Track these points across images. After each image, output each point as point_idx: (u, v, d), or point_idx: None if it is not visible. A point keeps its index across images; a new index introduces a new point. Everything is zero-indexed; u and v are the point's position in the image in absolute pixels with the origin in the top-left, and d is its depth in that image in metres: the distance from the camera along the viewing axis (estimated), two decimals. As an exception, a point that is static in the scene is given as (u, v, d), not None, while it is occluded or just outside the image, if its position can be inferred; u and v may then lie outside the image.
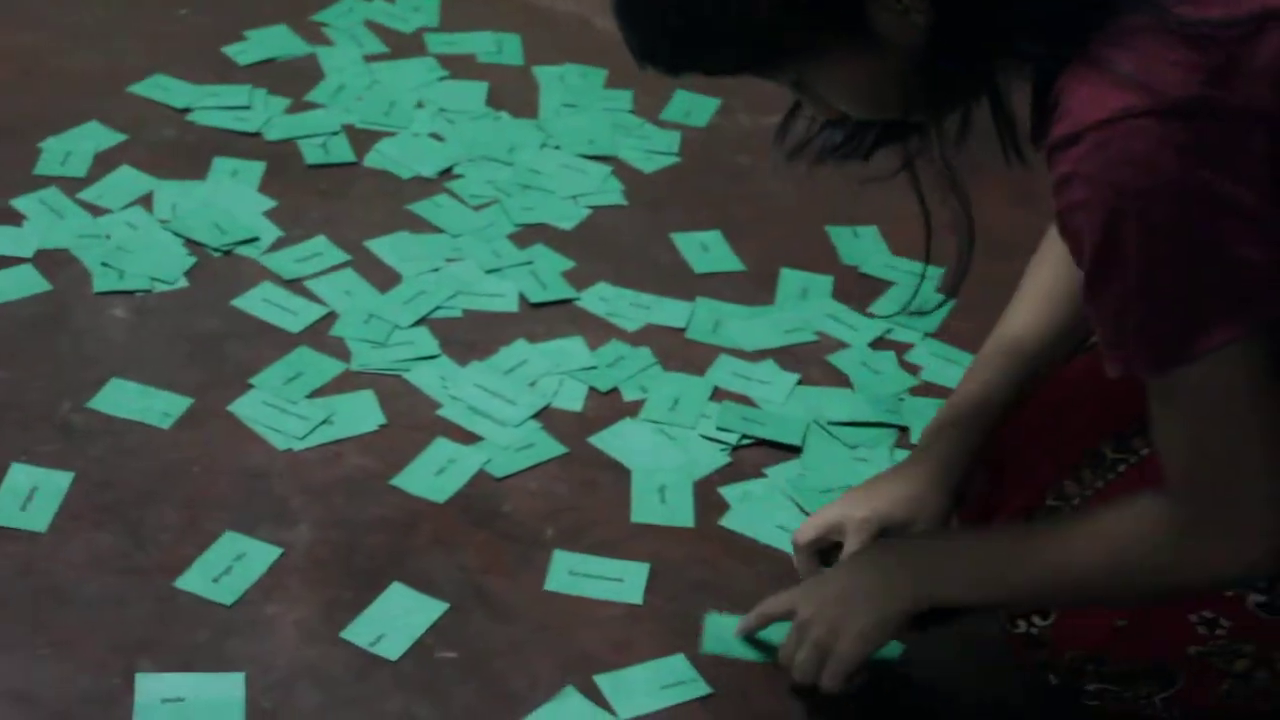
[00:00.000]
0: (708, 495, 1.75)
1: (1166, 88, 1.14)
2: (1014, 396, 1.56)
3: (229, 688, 1.50)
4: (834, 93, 1.27)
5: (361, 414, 1.79)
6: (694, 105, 2.37)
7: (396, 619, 1.57)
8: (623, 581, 1.64)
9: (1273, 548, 1.26)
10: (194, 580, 1.59)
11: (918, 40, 1.20)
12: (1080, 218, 1.18)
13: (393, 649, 1.54)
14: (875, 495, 1.56)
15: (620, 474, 1.77)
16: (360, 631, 1.56)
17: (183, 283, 1.94)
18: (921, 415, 1.85)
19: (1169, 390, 1.22)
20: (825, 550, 1.58)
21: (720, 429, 1.82)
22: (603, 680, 1.54)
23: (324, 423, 1.77)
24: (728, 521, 1.72)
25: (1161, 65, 1.14)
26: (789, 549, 1.63)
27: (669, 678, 1.55)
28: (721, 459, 1.79)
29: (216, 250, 2.00)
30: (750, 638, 1.59)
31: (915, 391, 1.89)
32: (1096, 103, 1.15)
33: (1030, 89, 1.25)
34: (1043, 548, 1.37)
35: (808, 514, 1.70)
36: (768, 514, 1.73)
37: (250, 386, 1.81)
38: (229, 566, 1.60)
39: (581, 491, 1.74)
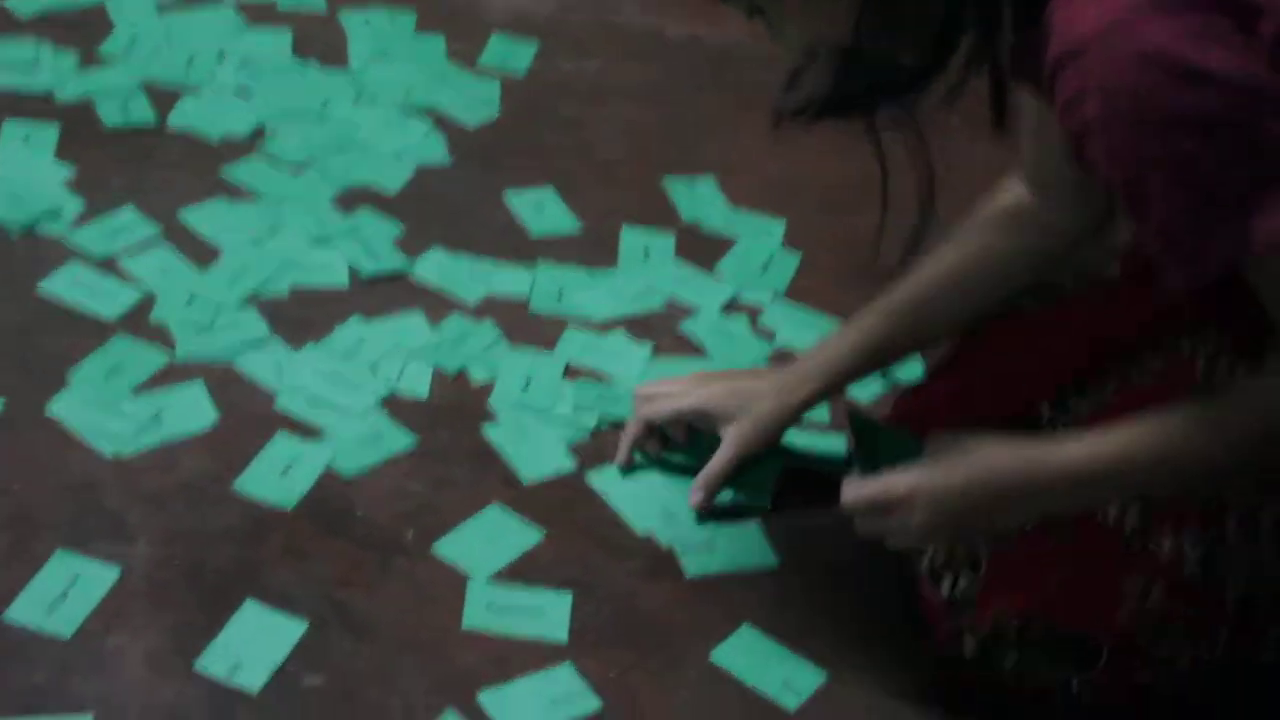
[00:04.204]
0: (574, 486, 1.66)
1: None
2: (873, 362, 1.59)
3: (78, 734, 1.38)
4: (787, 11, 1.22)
5: (192, 410, 1.65)
6: (511, 51, 2.23)
7: (254, 643, 1.46)
8: (544, 614, 1.53)
9: None
10: (26, 610, 1.45)
11: None
12: (1099, 134, 1.14)
13: (253, 679, 1.43)
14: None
15: (474, 467, 1.66)
16: (215, 660, 1.43)
17: (-20, 268, 1.79)
18: (781, 385, 1.78)
19: (1259, 265, 1.18)
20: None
21: (578, 409, 1.72)
22: (487, 699, 1.44)
23: (153, 422, 1.63)
24: (599, 512, 1.63)
25: None
26: (666, 536, 1.60)
27: (556, 691, 1.46)
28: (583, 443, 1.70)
29: (16, 227, 1.82)
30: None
31: (772, 359, 1.81)
32: (1094, 12, 1.11)
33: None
34: (1185, 432, 1.27)
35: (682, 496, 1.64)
36: (643, 500, 1.63)
37: (68, 385, 1.65)
38: (63, 592, 1.46)
39: (437, 488, 1.63)
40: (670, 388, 1.63)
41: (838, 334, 1.61)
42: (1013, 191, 1.53)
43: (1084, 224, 1.51)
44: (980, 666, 1.45)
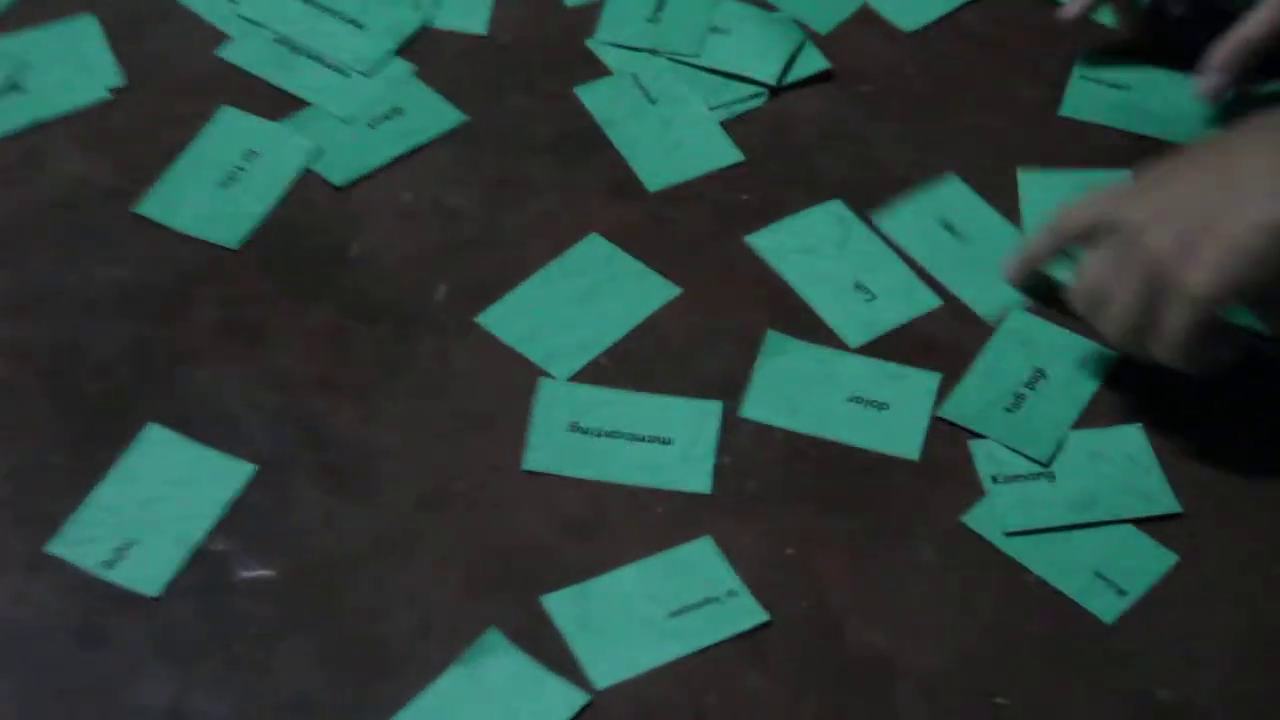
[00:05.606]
0: (729, 216, 0.98)
1: None
2: None
3: None
4: None
5: (77, 68, 1.02)
6: None
7: (153, 506, 0.84)
8: (670, 444, 0.87)
9: None
10: None
11: None
12: None
13: (150, 574, 0.81)
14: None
15: (559, 168, 0.98)
16: (85, 539, 0.83)
17: None
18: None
19: None
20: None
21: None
22: (558, 605, 0.81)
23: (8, 91, 0.99)
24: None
25: None
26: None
27: (684, 587, 0.82)
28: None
29: None
30: (1032, 281, 0.93)
31: None
32: None
33: None
34: None
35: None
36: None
37: None
38: None
39: (493, 207, 0.96)
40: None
41: None
42: None
43: None
44: None
